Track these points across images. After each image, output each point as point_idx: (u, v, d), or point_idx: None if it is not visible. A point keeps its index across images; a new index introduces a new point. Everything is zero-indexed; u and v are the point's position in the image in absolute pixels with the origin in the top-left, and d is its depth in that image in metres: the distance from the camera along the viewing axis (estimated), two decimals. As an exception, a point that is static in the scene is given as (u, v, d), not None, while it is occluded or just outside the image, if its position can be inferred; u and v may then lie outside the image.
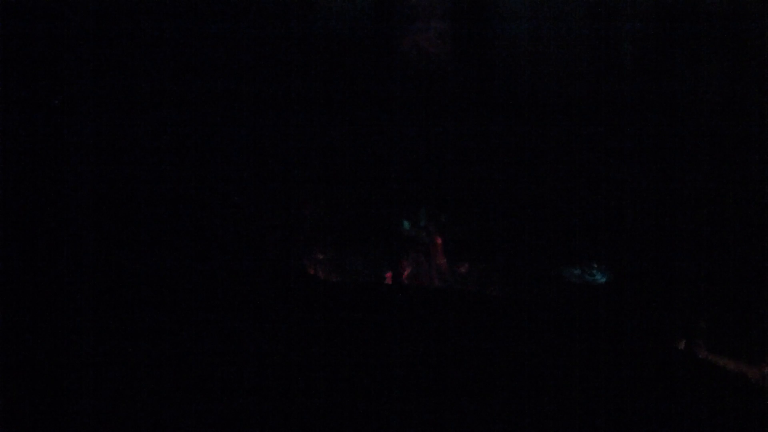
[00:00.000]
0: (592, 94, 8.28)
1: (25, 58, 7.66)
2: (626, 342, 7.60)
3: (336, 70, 8.49)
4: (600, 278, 8.13)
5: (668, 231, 8.03)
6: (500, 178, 8.37)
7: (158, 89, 7.95)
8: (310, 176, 8.43)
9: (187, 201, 7.96)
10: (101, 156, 7.72)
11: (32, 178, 7.51)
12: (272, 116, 8.30)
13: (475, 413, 6.43)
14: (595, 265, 8.13)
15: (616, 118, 8.21)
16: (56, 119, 7.64)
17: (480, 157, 8.42)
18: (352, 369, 6.72)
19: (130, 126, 7.97)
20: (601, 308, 8.07)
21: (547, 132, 8.31)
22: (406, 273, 8.41)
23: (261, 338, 6.94)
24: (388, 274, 8.33)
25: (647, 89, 8.17)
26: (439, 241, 8.42)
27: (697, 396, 6.83)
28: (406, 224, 8.44)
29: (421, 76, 8.52)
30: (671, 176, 8.10)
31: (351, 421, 6.26)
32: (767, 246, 7.77)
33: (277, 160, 8.34)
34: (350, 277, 8.38)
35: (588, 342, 7.31)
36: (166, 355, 6.65)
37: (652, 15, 8.15)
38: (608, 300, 8.07)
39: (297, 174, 8.39)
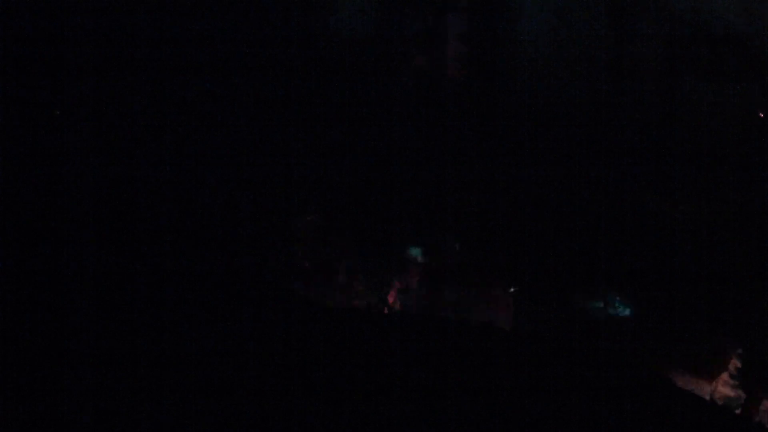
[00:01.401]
0: (614, 123, 8.02)
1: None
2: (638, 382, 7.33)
3: (352, 91, 8.24)
4: (624, 312, 7.78)
5: (697, 263, 7.70)
6: (519, 205, 8.05)
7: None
8: (319, 196, 8.16)
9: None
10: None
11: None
12: (284, 134, 8.09)
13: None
14: (619, 298, 7.78)
15: (642, 150, 7.95)
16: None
17: (498, 184, 8.11)
18: (345, 395, 6.48)
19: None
20: (624, 343, 7.73)
21: (569, 159, 8.02)
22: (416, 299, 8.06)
23: (256, 349, 6.75)
24: (392, 292, 7.99)
25: (675, 122, 7.91)
26: (451, 269, 8.08)
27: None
28: (417, 251, 8.09)
29: (437, 98, 8.25)
30: (698, 206, 7.80)
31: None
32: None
33: (286, 177, 8.10)
34: (356, 301, 8.04)
35: (596, 385, 7.07)
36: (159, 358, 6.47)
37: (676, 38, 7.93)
38: (632, 334, 7.73)
39: (305, 194, 8.13)
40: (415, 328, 7.72)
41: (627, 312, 7.78)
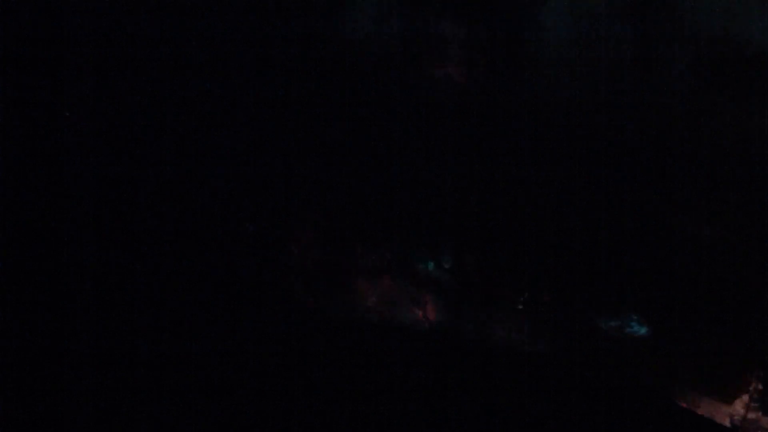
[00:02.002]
0: (633, 136, 7.84)
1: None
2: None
3: (366, 100, 8.07)
4: (639, 331, 7.56)
5: (720, 282, 7.49)
6: (533, 219, 7.85)
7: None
8: (331, 207, 7.98)
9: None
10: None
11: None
12: (294, 143, 7.94)
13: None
14: (635, 317, 7.57)
15: (661, 164, 7.77)
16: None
17: (512, 196, 7.91)
18: (342, 413, 6.50)
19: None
20: (638, 362, 7.53)
21: (584, 172, 7.83)
22: (424, 315, 7.84)
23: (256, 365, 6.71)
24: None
25: (695, 136, 7.73)
26: (465, 284, 7.86)
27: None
28: (431, 265, 7.86)
29: (452, 108, 8.07)
30: (720, 223, 7.61)
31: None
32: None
33: (294, 187, 7.94)
34: (363, 317, 7.82)
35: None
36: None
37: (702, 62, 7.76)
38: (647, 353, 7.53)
39: (316, 203, 7.96)
40: (422, 345, 7.57)
41: (643, 331, 7.57)
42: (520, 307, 7.70)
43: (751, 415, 7.24)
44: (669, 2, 7.78)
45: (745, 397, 7.28)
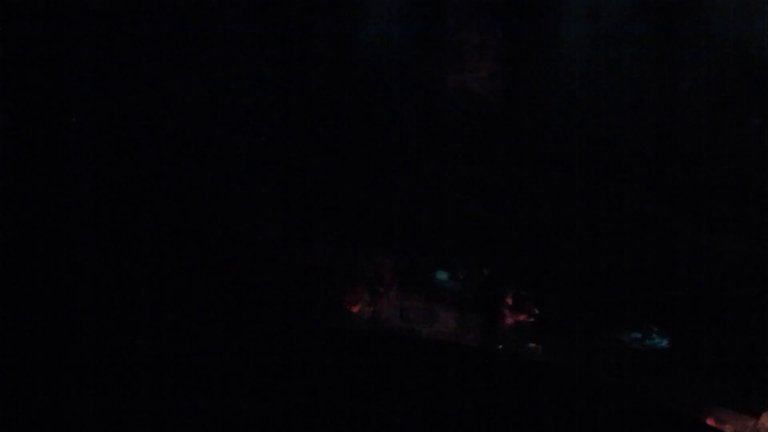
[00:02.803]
0: (653, 147, 7.70)
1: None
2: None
3: (381, 111, 7.95)
4: (661, 343, 7.39)
5: (744, 292, 7.32)
6: (551, 230, 7.70)
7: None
8: (341, 215, 7.85)
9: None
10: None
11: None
12: (307, 155, 7.84)
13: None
14: (656, 329, 7.40)
15: (679, 175, 7.62)
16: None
17: (529, 208, 7.76)
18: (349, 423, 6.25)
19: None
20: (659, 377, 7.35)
21: (602, 183, 7.69)
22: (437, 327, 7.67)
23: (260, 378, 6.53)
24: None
25: (715, 149, 7.59)
26: (475, 296, 7.71)
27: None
28: (443, 275, 7.70)
29: (468, 119, 7.94)
30: (740, 235, 7.45)
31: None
32: None
33: (303, 194, 7.83)
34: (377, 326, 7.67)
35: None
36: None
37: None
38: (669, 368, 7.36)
39: (325, 211, 7.84)
40: (436, 354, 7.41)
41: (664, 343, 7.39)
42: (538, 318, 7.58)
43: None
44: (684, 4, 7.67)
45: (771, 411, 7.12)
